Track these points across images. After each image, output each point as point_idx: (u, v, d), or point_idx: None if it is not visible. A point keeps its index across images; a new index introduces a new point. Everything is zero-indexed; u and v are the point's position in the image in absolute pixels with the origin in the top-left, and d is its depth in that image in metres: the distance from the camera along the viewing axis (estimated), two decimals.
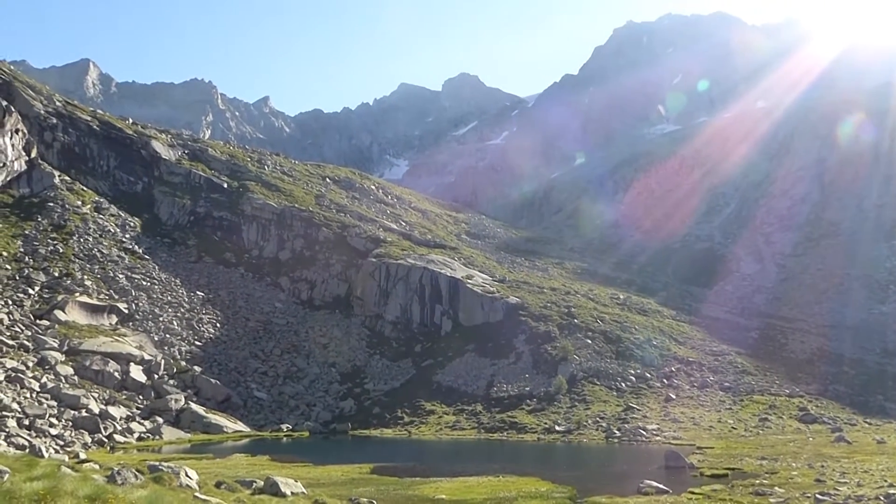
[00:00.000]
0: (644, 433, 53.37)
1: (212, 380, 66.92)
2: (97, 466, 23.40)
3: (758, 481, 30.31)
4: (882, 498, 24.47)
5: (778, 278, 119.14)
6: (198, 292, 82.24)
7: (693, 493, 28.00)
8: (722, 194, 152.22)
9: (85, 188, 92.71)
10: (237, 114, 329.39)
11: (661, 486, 29.04)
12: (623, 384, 67.35)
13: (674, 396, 64.66)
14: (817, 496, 25.69)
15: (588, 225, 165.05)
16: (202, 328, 75.90)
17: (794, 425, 57.32)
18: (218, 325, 78.02)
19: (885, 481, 28.28)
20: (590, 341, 75.33)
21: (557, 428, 58.07)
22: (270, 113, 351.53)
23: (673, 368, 70.87)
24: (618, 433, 54.33)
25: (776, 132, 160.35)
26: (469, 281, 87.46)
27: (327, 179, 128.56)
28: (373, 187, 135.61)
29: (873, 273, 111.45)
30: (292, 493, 25.21)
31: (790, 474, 32.03)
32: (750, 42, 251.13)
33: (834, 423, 57.39)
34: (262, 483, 25.69)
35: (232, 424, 60.99)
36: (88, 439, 47.71)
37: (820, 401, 65.16)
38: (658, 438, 52.01)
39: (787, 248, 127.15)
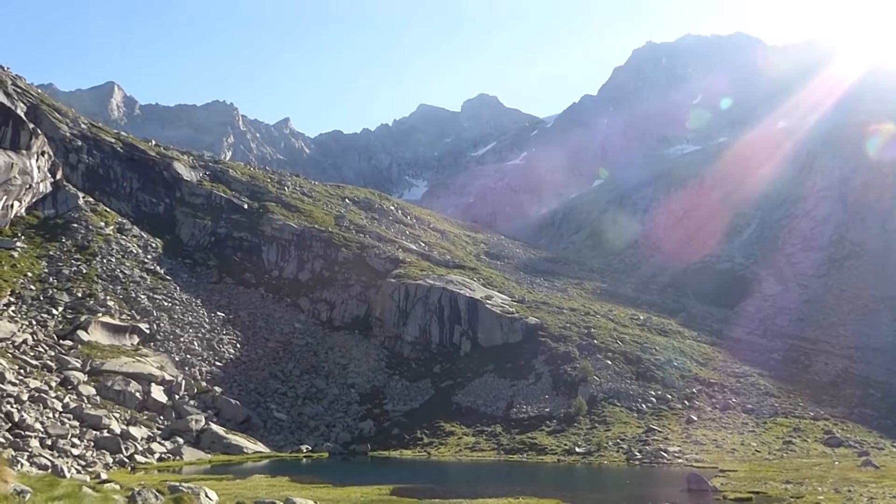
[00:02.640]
0: (665, 455, 52.78)
1: (232, 400, 67.13)
2: (118, 487, 23.56)
3: None
4: None
5: (801, 299, 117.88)
6: (218, 313, 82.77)
7: None
8: (743, 215, 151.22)
9: (108, 209, 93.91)
10: (258, 135, 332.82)
11: None
12: (644, 405, 66.74)
13: (695, 418, 63.96)
14: None
15: (608, 245, 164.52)
16: (222, 349, 76.29)
17: (819, 449, 56.43)
18: (238, 345, 78.39)
19: None
20: (610, 362, 74.82)
21: (577, 449, 57.59)
22: (290, 134, 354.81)
23: (694, 390, 70.16)
24: (639, 455, 53.77)
25: (798, 153, 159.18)
26: (488, 301, 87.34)
27: (347, 200, 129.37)
28: (392, 208, 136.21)
29: None
30: None
31: (816, 499, 31.54)
32: (770, 63, 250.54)
33: (860, 446, 56.40)
34: None
35: (252, 445, 61.06)
36: (110, 459, 47.94)
37: (846, 424, 64.15)
38: (680, 461, 51.42)
39: (810, 268, 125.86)
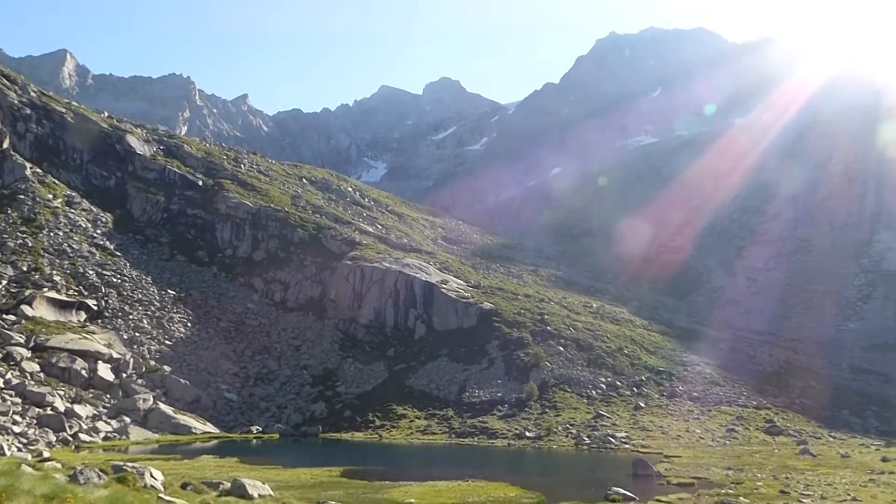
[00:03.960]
0: (613, 441, 53.73)
1: (181, 380, 66.22)
2: (59, 465, 23.07)
3: (723, 491, 30.65)
4: None
5: (749, 292, 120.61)
6: (169, 291, 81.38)
7: (659, 500, 28.25)
8: (697, 208, 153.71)
9: (57, 181, 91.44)
10: (215, 111, 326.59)
11: (628, 493, 29.30)
12: (594, 392, 67.77)
13: (643, 405, 65.18)
14: None
15: (563, 233, 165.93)
16: (173, 327, 75.09)
17: (760, 437, 58.02)
18: (189, 324, 77.23)
19: (849, 495, 28.74)
20: (562, 349, 75.68)
21: (528, 434, 58.25)
22: (248, 111, 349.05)
23: (643, 378, 71.41)
24: (587, 440, 54.66)
25: (751, 149, 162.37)
26: (444, 286, 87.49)
27: (304, 180, 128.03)
28: (350, 189, 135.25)
29: (842, 290, 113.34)
30: (259, 495, 25.01)
31: (755, 485, 32.41)
32: (729, 59, 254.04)
33: (799, 435, 58.17)
34: (230, 485, 25.46)
35: (201, 425, 60.39)
36: (53, 438, 46.97)
37: (786, 413, 66.03)
38: (626, 446, 52.40)
39: (759, 262, 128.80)
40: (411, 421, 65.10)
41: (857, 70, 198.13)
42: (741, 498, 28.59)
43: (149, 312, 75.34)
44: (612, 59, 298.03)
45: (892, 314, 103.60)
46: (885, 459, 41.42)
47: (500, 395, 68.22)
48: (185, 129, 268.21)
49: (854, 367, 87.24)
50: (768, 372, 79.50)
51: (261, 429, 63.25)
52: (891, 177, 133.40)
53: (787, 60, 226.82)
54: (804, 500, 27.77)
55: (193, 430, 58.66)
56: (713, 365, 77.68)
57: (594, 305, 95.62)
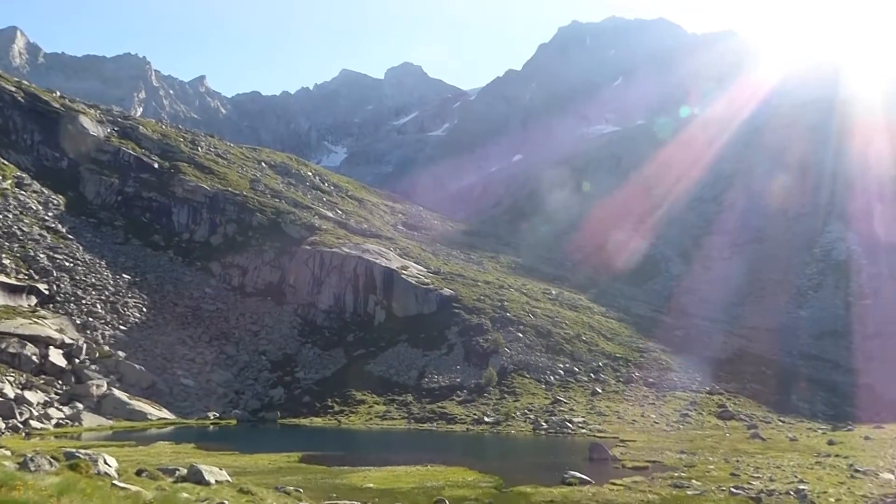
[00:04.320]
0: (570, 425, 54.41)
1: (136, 365, 65.13)
2: (9, 453, 22.56)
3: (676, 474, 31.24)
4: (792, 493, 25.54)
5: (704, 280, 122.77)
6: (124, 275, 79.81)
7: (615, 484, 28.66)
8: (656, 197, 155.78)
9: (6, 162, 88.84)
10: (171, 92, 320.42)
11: (584, 476, 29.68)
12: (552, 377, 68.45)
13: (600, 391, 66.06)
14: (732, 489, 26.66)
15: (523, 220, 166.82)
16: (128, 312, 73.74)
17: (712, 421, 59.25)
18: (144, 309, 75.91)
19: (796, 477, 29.51)
20: (521, 335, 76.22)
21: (486, 419, 58.65)
22: (206, 93, 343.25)
23: (600, 364, 72.33)
24: (545, 425, 55.24)
25: (710, 140, 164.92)
26: (404, 272, 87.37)
27: (263, 164, 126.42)
28: (309, 174, 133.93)
29: (794, 279, 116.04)
30: (217, 481, 24.75)
31: (707, 468, 33.11)
32: (689, 50, 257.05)
33: (750, 420, 59.57)
34: (186, 471, 25.14)
35: (156, 412, 59.57)
36: (2, 425, 45.87)
37: (738, 399, 67.48)
38: (583, 431, 53.10)
39: (715, 251, 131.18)
40: (370, 406, 65.06)
41: (814, 64, 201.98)
42: (694, 481, 29.18)
43: (102, 297, 73.83)
44: (574, 47, 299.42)
45: (841, 303, 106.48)
46: (831, 443, 42.65)
47: (459, 380, 68.53)
48: (140, 111, 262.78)
49: (804, 354, 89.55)
50: (722, 358, 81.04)
51: (218, 415, 62.59)
52: (843, 169, 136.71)
53: (747, 53, 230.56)
54: (753, 483, 28.44)
55: (149, 417, 57.84)
56: (669, 352, 78.99)
57: (553, 292, 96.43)
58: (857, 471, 30.72)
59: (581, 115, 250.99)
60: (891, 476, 29.56)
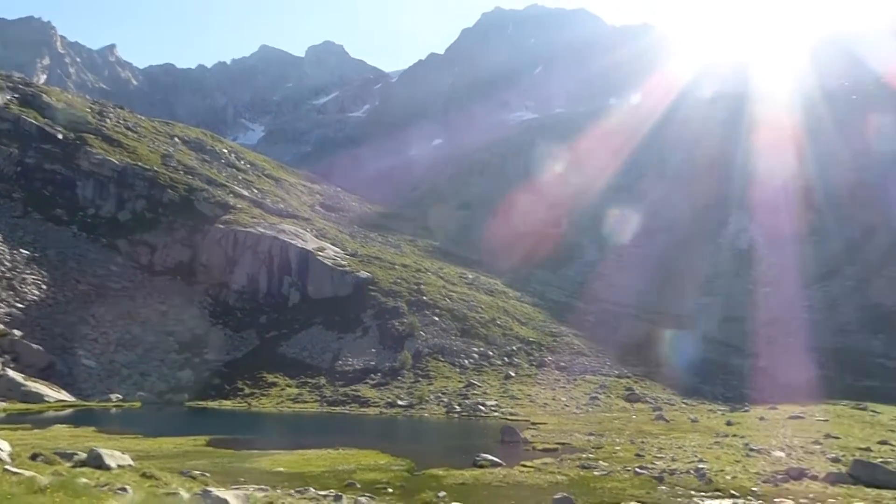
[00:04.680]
0: (483, 409, 55.03)
1: (34, 345, 62.12)
2: None
3: (584, 455, 32.01)
4: (692, 472, 26.52)
5: (616, 267, 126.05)
6: (22, 250, 75.77)
7: (525, 465, 29.13)
8: (571, 184, 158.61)
9: None
10: (78, 60, 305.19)
11: (496, 459, 30.04)
12: (466, 361, 69.04)
13: (513, 374, 67.07)
14: (636, 469, 27.48)
15: (443, 204, 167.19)
16: (25, 289, 70.13)
17: (620, 404, 61.04)
18: (44, 286, 72.36)
19: (696, 457, 30.68)
20: (437, 318, 76.53)
21: (400, 402, 58.68)
22: (117, 62, 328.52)
23: (514, 348, 73.41)
24: (458, 408, 55.68)
25: (627, 131, 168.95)
26: (320, 253, 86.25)
27: (176, 139, 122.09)
28: (225, 151, 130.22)
29: (700, 267, 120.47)
30: (119, 465, 23.82)
31: (614, 449, 34.08)
32: (609, 41, 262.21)
33: (655, 402, 61.67)
34: (85, 455, 24.08)
35: (55, 393, 56.99)
36: None
37: (644, 382, 69.74)
38: (496, 414, 53.80)
39: (627, 238, 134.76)
40: (282, 389, 64.13)
41: (726, 60, 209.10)
42: (601, 462, 29.96)
43: None
44: (497, 33, 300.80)
45: (742, 290, 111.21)
46: (729, 424, 44.57)
47: (373, 363, 68.30)
48: (44, 78, 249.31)
49: (706, 339, 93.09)
50: (630, 343, 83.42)
51: (121, 397, 60.44)
52: (751, 163, 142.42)
53: (663, 47, 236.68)
54: (657, 463, 29.42)
55: (46, 399, 55.29)
56: (581, 336, 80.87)
57: (470, 277, 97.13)
58: (751, 450, 32.18)
59: (502, 101, 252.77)
60: (781, 454, 31.09)
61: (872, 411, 49.91)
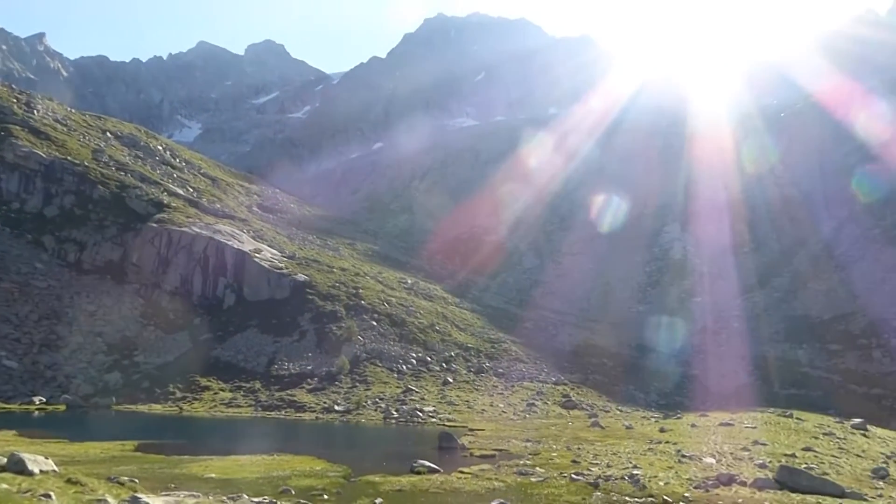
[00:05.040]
0: (421, 415, 54.83)
1: None
2: None
3: (522, 462, 32.12)
4: (626, 478, 26.89)
5: (554, 274, 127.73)
6: None
7: (463, 472, 29.05)
8: (510, 191, 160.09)
9: None
10: (4, 47, 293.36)
11: (433, 465, 29.87)
12: (404, 367, 68.77)
13: (451, 380, 67.09)
14: (573, 476, 27.70)
15: (382, 208, 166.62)
16: None
17: (557, 410, 61.65)
18: None
19: (630, 463, 31.13)
20: (375, 323, 76.05)
21: (337, 408, 58.00)
22: (46, 52, 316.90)
23: (452, 353, 73.49)
24: (395, 414, 55.33)
25: (565, 139, 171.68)
26: (257, 255, 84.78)
27: (108, 134, 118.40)
28: (160, 148, 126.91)
29: (635, 276, 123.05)
30: (41, 471, 22.80)
31: (550, 455, 34.30)
32: (549, 51, 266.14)
33: (591, 409, 62.52)
34: (6, 460, 22.97)
35: None
36: None
37: (581, 389, 70.66)
38: (434, 420, 53.64)
39: (565, 246, 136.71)
40: (215, 393, 62.69)
41: (666, 74, 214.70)
42: (538, 468, 30.11)
43: None
44: (439, 39, 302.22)
45: (675, 298, 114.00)
46: (662, 430, 45.42)
47: (310, 368, 67.40)
48: None
49: (642, 346, 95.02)
50: (567, 350, 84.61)
51: (45, 400, 58.10)
52: (682, 174, 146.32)
53: (602, 58, 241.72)
54: (593, 469, 29.74)
55: None
56: (518, 343, 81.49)
57: (409, 281, 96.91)
58: (683, 456, 32.82)
59: (443, 107, 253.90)
60: (712, 460, 31.79)
61: (798, 419, 51.51)
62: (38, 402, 56.96)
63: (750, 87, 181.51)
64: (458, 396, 62.87)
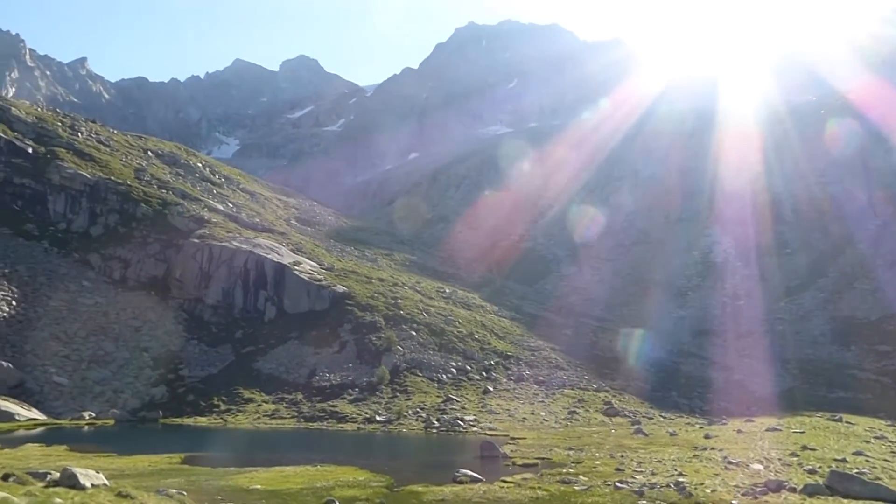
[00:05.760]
0: (462, 424, 54.77)
1: (3, 363, 60.94)
2: None
3: (564, 470, 31.92)
4: (672, 485, 26.56)
5: (593, 280, 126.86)
6: None
7: (505, 481, 28.97)
8: (547, 198, 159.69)
9: None
10: (48, 73, 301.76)
11: (475, 474, 29.84)
12: (444, 376, 68.80)
13: (491, 389, 66.93)
14: (616, 484, 27.45)
15: (419, 218, 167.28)
16: None
17: (599, 418, 61.09)
18: (14, 303, 71.04)
19: (675, 470, 30.74)
20: (414, 333, 76.25)
21: (378, 418, 58.26)
22: (88, 76, 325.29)
23: (492, 362, 73.31)
24: (437, 424, 55.35)
25: (600, 145, 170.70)
26: (296, 267, 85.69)
27: (149, 153, 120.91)
28: (199, 165, 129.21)
29: (675, 280, 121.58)
30: (93, 484, 23.35)
31: (594, 464, 34.03)
32: (581, 56, 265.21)
33: (634, 416, 61.82)
34: (59, 474, 23.57)
35: (25, 412, 55.83)
36: None
37: (622, 395, 69.94)
38: (475, 429, 53.55)
39: (603, 252, 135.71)
40: (259, 405, 63.41)
41: (693, 75, 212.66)
42: (581, 476, 29.90)
43: None
44: (471, 48, 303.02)
45: (717, 303, 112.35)
46: (707, 437, 44.77)
47: (350, 378, 67.82)
48: (12, 91, 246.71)
49: (683, 352, 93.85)
50: (608, 357, 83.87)
51: (94, 415, 59.34)
52: (720, 175, 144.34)
53: (634, 61, 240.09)
54: (637, 477, 29.43)
55: (16, 418, 54.16)
56: (558, 350, 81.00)
57: (447, 290, 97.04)
58: (730, 462, 32.32)
59: (476, 115, 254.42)
60: (760, 466, 31.25)
61: (847, 422, 50.43)
62: (87, 417, 58.18)
63: (781, 85, 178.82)
64: (498, 405, 62.69)
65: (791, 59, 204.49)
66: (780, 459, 33.00)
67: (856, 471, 28.16)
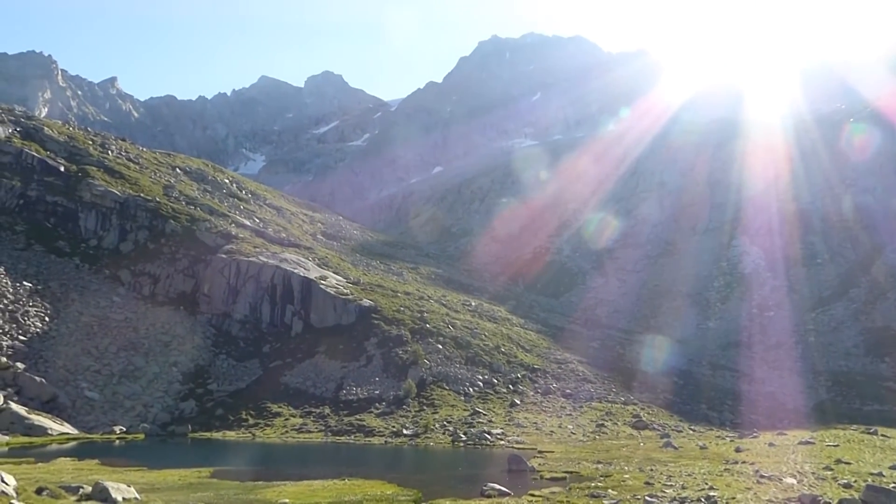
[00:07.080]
0: (489, 437, 54.58)
1: (36, 378, 61.82)
2: None
3: (593, 484, 31.64)
4: (703, 500, 26.21)
5: (619, 292, 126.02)
6: (25, 283, 75.77)
7: (533, 495, 28.79)
8: (572, 210, 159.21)
9: None
10: (79, 93, 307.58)
11: (503, 488, 29.71)
12: (471, 389, 68.65)
13: (518, 402, 66.64)
14: (646, 498, 27.14)
15: (444, 232, 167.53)
16: (28, 322, 69.97)
17: (627, 431, 60.52)
18: (47, 318, 72.21)
19: (706, 484, 30.34)
20: (440, 346, 76.24)
21: (405, 431, 58.25)
22: (118, 95, 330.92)
23: (519, 375, 73.03)
24: (464, 437, 55.22)
25: (624, 156, 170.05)
26: (322, 282, 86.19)
27: (177, 170, 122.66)
28: (226, 181, 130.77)
29: (703, 291, 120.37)
30: (124, 498, 23.68)
31: (623, 477, 33.68)
32: (605, 67, 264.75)
33: (663, 429, 61.13)
34: (91, 488, 23.93)
35: (58, 426, 56.58)
36: None
37: (651, 408, 69.24)
38: (502, 442, 53.34)
39: (629, 264, 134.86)
40: (286, 419, 63.71)
41: (719, 85, 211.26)
42: (610, 490, 29.62)
43: (1, 306, 69.89)
44: (494, 61, 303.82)
45: (746, 314, 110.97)
46: (738, 450, 44.14)
47: (377, 392, 67.93)
48: (45, 111, 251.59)
49: (712, 364, 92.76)
50: (635, 369, 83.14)
51: (125, 429, 60.00)
52: (747, 186, 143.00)
53: (657, 72, 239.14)
54: (667, 491, 29.09)
55: (49, 432, 54.89)
56: (585, 363, 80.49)
57: (473, 304, 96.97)
58: (762, 476, 31.83)
59: (500, 128, 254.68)
60: (793, 480, 30.74)
61: (883, 435, 49.46)
62: (118, 432, 58.85)
63: (806, 94, 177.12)
64: (525, 418, 62.38)
65: (817, 67, 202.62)
66: (813, 473, 32.45)
67: (892, 485, 27.59)
